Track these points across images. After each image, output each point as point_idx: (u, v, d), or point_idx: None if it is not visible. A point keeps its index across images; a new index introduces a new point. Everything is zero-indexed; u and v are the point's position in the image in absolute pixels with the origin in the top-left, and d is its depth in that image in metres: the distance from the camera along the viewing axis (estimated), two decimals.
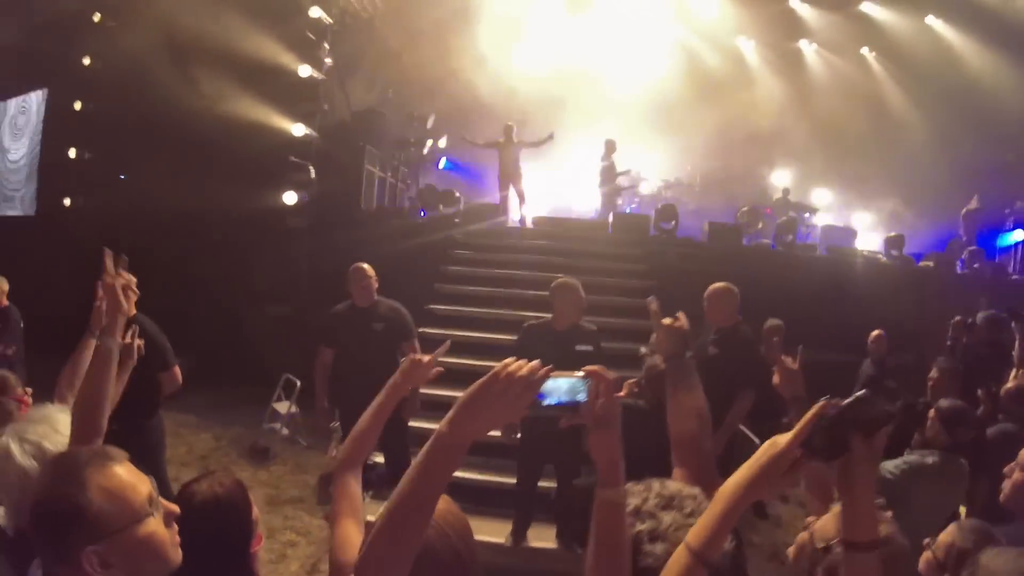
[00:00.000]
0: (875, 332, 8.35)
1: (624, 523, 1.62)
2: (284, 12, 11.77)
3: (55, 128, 13.18)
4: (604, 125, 15.16)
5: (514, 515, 6.17)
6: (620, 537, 1.60)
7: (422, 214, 12.30)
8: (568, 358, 5.40)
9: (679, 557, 1.49)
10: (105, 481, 1.60)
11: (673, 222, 12.32)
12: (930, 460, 4.09)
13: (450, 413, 1.42)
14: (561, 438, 4.73)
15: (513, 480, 6.26)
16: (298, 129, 11.49)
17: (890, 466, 4.20)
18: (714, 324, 5.94)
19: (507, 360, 1.44)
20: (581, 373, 1.52)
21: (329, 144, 11.86)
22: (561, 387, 1.50)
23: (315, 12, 12.06)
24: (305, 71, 11.74)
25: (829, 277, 11.32)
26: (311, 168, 11.28)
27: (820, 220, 16.26)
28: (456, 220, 11.60)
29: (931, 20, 17.13)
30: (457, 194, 12.20)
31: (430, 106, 14.71)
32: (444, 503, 1.75)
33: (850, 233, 15.06)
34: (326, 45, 12.35)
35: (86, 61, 12.81)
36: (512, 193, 13.46)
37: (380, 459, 6.64)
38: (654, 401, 4.54)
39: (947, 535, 2.58)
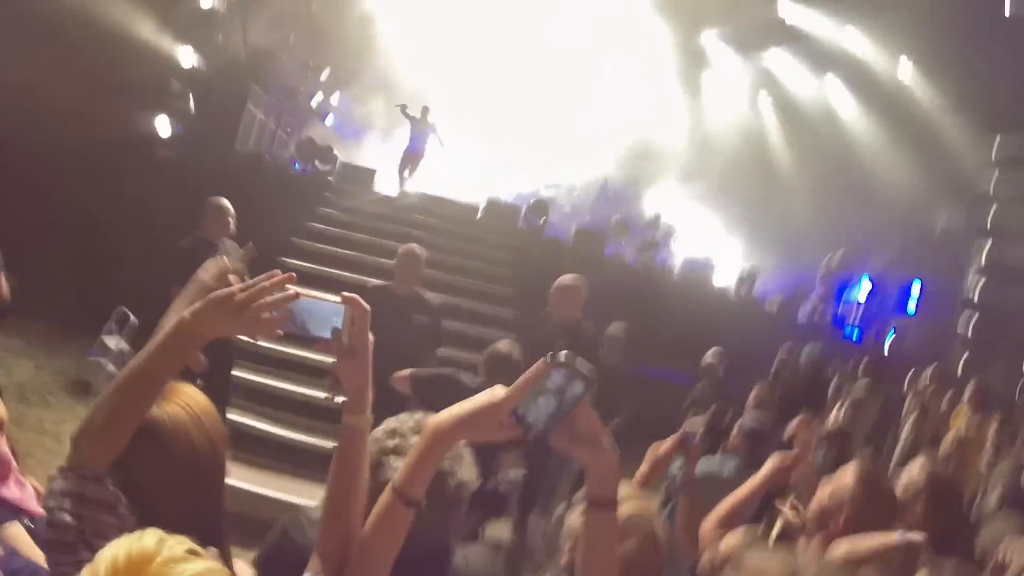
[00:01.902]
0: (714, 348, 8.43)
1: (364, 449, 1.67)
2: None
3: None
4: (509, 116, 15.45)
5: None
6: (360, 460, 1.65)
7: (295, 166, 12.16)
8: (405, 326, 5.52)
9: (383, 495, 1.51)
10: None
11: (543, 219, 12.69)
12: (726, 473, 4.37)
13: (198, 304, 1.48)
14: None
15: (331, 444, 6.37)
16: (186, 55, 11.15)
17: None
18: (559, 317, 6.00)
19: (262, 275, 1.50)
20: (338, 298, 1.57)
21: (215, 78, 11.51)
22: (318, 309, 1.55)
23: None
24: (206, 1, 11.42)
25: (678, 300, 11.95)
26: (191, 99, 10.99)
27: (684, 248, 17.02)
28: (329, 179, 11.56)
29: (829, 78, 18.30)
30: (336, 152, 12.14)
31: (329, 59, 14.51)
32: (205, 400, 1.78)
33: (708, 265, 15.89)
34: None
35: None
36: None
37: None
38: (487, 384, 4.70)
39: (731, 537, 2.71)
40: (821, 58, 17.85)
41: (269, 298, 1.46)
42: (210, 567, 1.01)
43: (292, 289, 1.48)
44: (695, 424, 4.03)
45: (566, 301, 5.97)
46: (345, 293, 1.58)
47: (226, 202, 6.08)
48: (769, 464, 3.07)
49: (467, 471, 2.03)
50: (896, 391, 9.26)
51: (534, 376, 1.37)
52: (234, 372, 6.71)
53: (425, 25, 15.73)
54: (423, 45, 15.49)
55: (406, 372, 4.47)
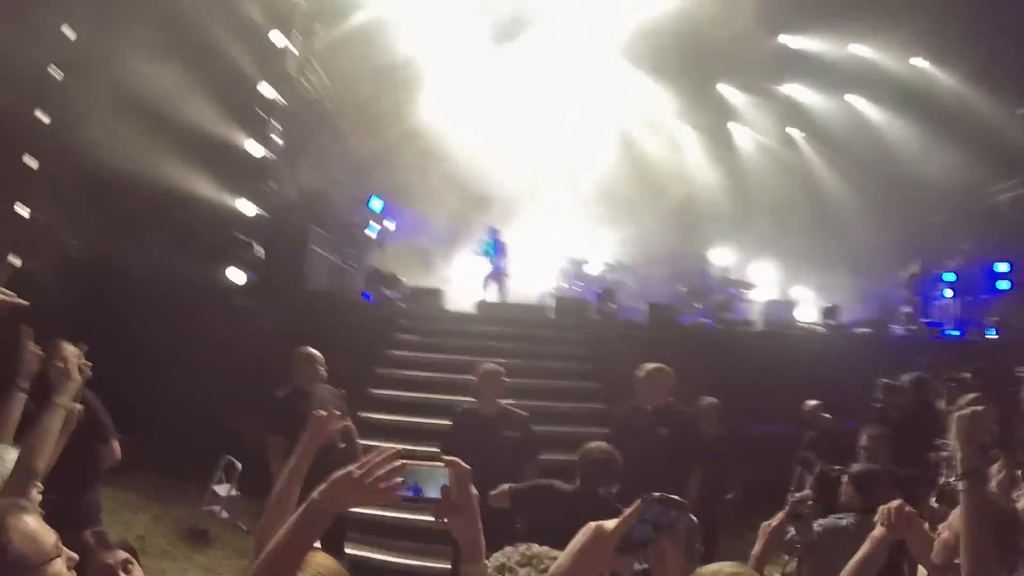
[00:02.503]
0: (809, 403, 8.30)
1: None
2: (237, 88, 11.91)
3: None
4: (548, 210, 15.67)
5: None
6: None
7: (366, 297, 12.38)
8: (497, 444, 5.62)
9: None
10: (21, 526, 1.86)
11: (614, 304, 12.64)
12: (844, 523, 4.24)
13: (324, 484, 1.66)
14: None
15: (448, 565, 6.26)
16: (248, 207, 11.58)
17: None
18: (648, 404, 6.02)
19: (373, 453, 1.67)
20: (441, 463, 1.71)
21: (276, 223, 11.96)
22: (425, 474, 1.69)
23: (266, 90, 12.28)
24: (258, 150, 11.89)
25: (767, 351, 11.65)
26: (258, 247, 11.36)
27: (759, 295, 16.77)
28: (401, 304, 11.71)
29: (850, 98, 18.23)
30: (402, 278, 12.36)
31: (375, 189, 14.95)
32: (325, 559, 2.01)
33: (789, 306, 15.61)
34: (277, 124, 12.57)
35: (39, 115, 12.62)
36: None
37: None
38: (582, 487, 4.64)
39: None
40: (836, 79, 17.81)
41: (381, 471, 1.64)
42: None
43: (400, 461, 1.66)
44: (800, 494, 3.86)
45: (652, 388, 6.02)
46: (446, 456, 1.72)
47: (314, 351, 6.25)
48: (878, 530, 2.91)
49: None
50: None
51: (633, 514, 1.56)
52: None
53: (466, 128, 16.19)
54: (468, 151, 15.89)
55: (504, 488, 4.49)
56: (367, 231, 14.47)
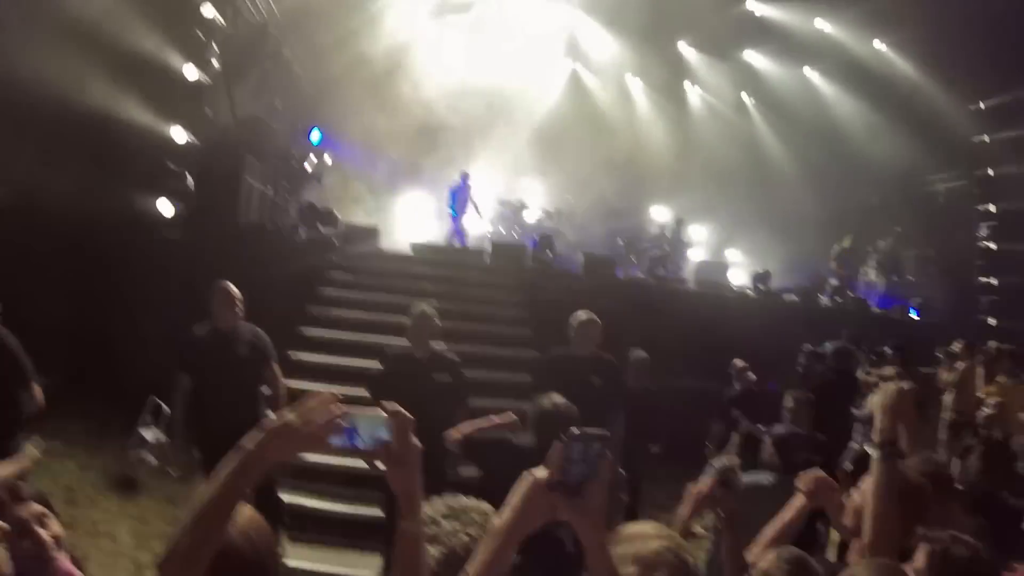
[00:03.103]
0: (738, 362, 8.67)
1: (422, 551, 1.74)
2: (175, 8, 11.29)
3: None
4: (492, 152, 15.54)
5: (383, 549, 6.14)
6: (419, 564, 1.72)
7: (300, 232, 12.12)
8: (428, 387, 5.59)
9: None
10: None
11: (551, 253, 12.68)
12: (765, 482, 4.39)
13: (259, 433, 1.59)
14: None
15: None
16: (179, 134, 11.15)
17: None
18: (579, 352, 6.09)
19: (309, 395, 1.62)
20: (382, 412, 1.66)
21: (209, 152, 11.51)
22: (364, 423, 1.64)
23: (208, 11, 11.73)
24: (192, 73, 11.39)
25: (698, 310, 11.98)
26: (189, 177, 10.99)
27: (695, 255, 17.08)
28: (335, 242, 11.53)
29: (808, 71, 18.39)
30: (337, 213, 12.14)
31: (316, 120, 14.59)
32: (250, 512, 1.90)
33: (722, 267, 15.96)
34: (215, 47, 12.06)
35: None
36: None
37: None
38: (538, 443, 4.60)
39: (764, 562, 2.66)
40: (796, 51, 17.98)
41: (320, 419, 1.58)
42: None
43: (340, 409, 1.60)
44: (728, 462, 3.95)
45: (585, 336, 6.08)
46: (387, 404, 1.67)
47: (231, 287, 5.95)
48: (798, 497, 3.06)
49: None
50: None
51: (559, 456, 1.57)
52: None
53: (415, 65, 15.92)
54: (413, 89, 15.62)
55: (463, 431, 4.44)
56: (305, 164, 14.09)
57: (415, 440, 1.68)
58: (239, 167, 11.72)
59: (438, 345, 6.10)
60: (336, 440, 1.61)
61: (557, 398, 4.36)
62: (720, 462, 3.16)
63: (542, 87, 17.86)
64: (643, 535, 2.13)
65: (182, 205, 10.78)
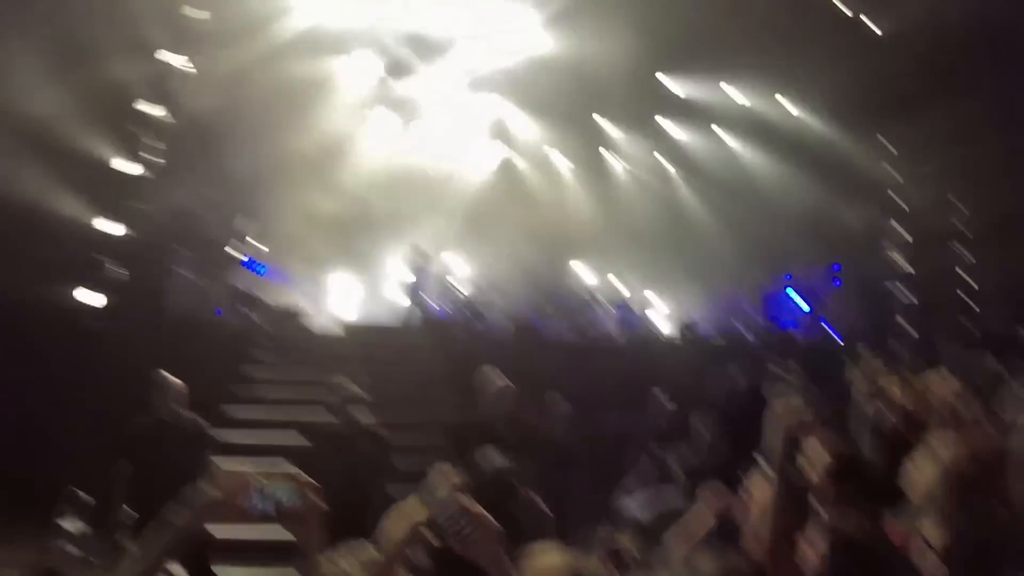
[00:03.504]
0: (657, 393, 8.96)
1: None
2: (112, 103, 11.57)
3: None
4: (417, 232, 15.97)
5: None
6: None
7: (228, 318, 12.31)
8: (353, 460, 5.71)
9: None
10: None
11: (481, 324, 13.02)
12: (671, 504, 4.56)
13: (184, 508, 1.82)
14: None
15: None
16: (109, 227, 11.31)
17: (637, 511, 4.80)
18: (496, 413, 6.32)
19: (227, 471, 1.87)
20: (289, 480, 1.92)
21: (138, 243, 11.71)
22: (274, 492, 1.88)
23: (145, 106, 12.06)
24: (126, 166, 11.61)
25: (626, 362, 12.37)
26: (116, 268, 11.15)
27: (622, 311, 17.58)
28: (262, 325, 11.72)
29: (716, 129, 19.36)
30: (263, 298, 12.33)
31: (243, 207, 14.88)
32: None
33: (649, 321, 16.58)
34: (151, 141, 12.28)
35: None
36: None
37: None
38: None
39: None
40: (704, 114, 18.92)
41: (236, 491, 1.81)
42: None
43: (251, 482, 1.84)
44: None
45: (495, 399, 6.35)
46: (292, 471, 1.98)
47: (173, 379, 6.24)
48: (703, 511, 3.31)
49: None
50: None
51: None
52: None
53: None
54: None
55: None
56: (235, 252, 14.28)
57: (320, 503, 1.95)
58: (169, 257, 11.96)
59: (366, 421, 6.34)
60: (252, 508, 1.85)
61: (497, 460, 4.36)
62: (612, 542, 3.25)
63: (471, 169, 18.54)
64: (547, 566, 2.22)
65: (109, 296, 10.91)
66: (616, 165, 20.00)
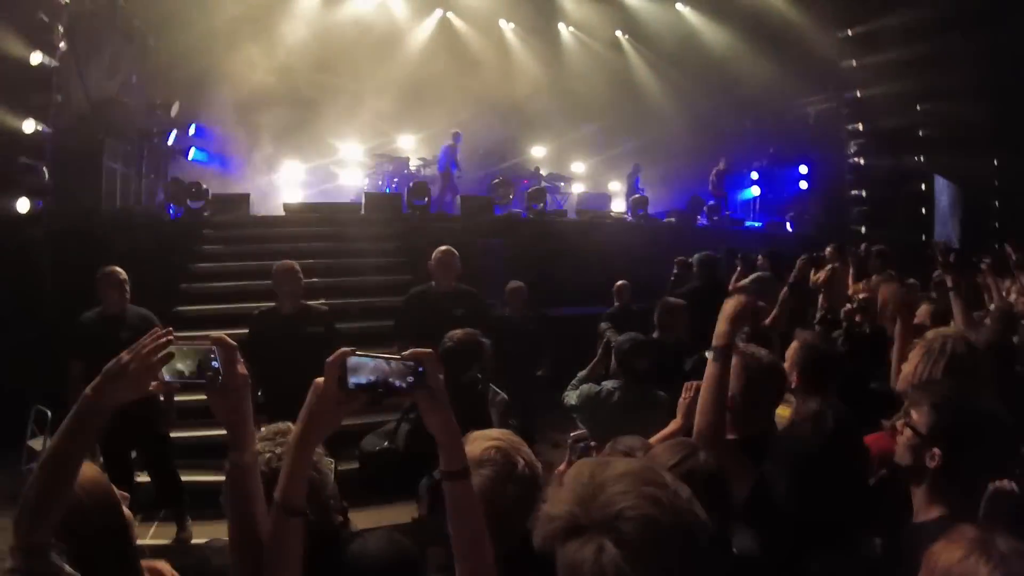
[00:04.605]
0: (619, 282, 8.95)
1: (255, 482, 1.79)
2: None
3: None
4: (366, 106, 15.57)
5: None
6: (251, 494, 1.78)
7: (169, 210, 11.96)
8: (300, 341, 5.61)
9: (271, 513, 1.69)
10: None
11: (426, 199, 12.92)
12: (605, 390, 4.64)
13: (97, 379, 1.63)
14: None
15: None
16: (28, 125, 10.85)
17: (572, 396, 4.87)
18: (440, 286, 6.35)
19: (144, 337, 1.66)
20: (208, 341, 1.71)
21: (65, 139, 11.19)
22: (194, 355, 1.69)
23: None
24: (36, 58, 11.00)
25: (577, 239, 12.36)
26: (45, 169, 10.72)
27: (575, 188, 17.62)
28: (204, 214, 11.49)
29: (680, 6, 18.99)
30: (205, 186, 12.01)
31: (175, 93, 14.26)
32: (91, 472, 1.93)
33: (604, 198, 16.60)
34: (61, 28, 11.59)
35: None
36: None
37: (145, 478, 6.39)
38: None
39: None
40: None
41: (149, 350, 1.64)
42: None
43: (166, 339, 1.66)
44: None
45: (443, 270, 6.33)
46: (211, 333, 1.74)
47: (117, 269, 6.01)
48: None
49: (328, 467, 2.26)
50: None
51: (331, 366, 1.62)
52: None
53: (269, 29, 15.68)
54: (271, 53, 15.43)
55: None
56: (167, 139, 13.83)
57: (241, 369, 1.74)
58: (98, 151, 11.45)
59: (308, 300, 6.15)
60: (167, 376, 1.66)
61: (458, 333, 4.40)
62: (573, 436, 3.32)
63: (413, 37, 17.87)
64: (478, 437, 2.27)
65: (40, 199, 10.54)
66: (573, 39, 19.52)
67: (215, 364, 1.70)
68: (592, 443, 2.90)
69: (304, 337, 5.74)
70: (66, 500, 1.68)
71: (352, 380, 1.60)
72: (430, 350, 1.67)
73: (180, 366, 1.68)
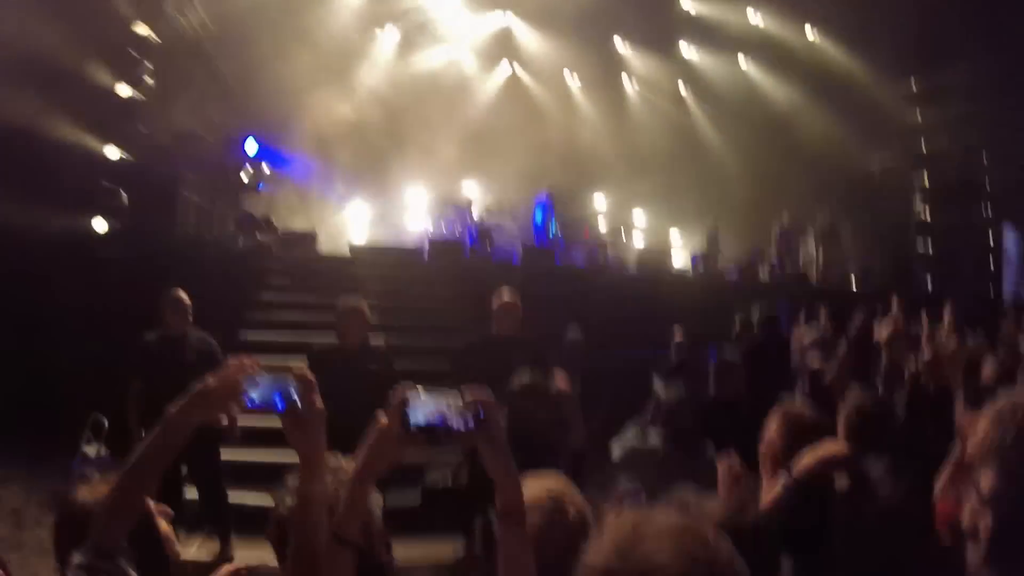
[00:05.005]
0: (676, 337, 8.84)
1: (319, 514, 1.81)
2: (107, 27, 11.28)
3: None
4: (434, 154, 15.80)
5: None
6: (316, 526, 1.79)
7: (238, 242, 12.22)
8: (359, 378, 5.55)
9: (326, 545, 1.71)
10: None
11: (488, 246, 12.94)
12: (650, 445, 4.57)
13: (182, 399, 1.76)
14: None
15: None
16: (112, 152, 11.24)
17: (616, 450, 4.73)
18: (499, 332, 6.20)
19: (228, 364, 1.76)
20: (288, 375, 1.77)
21: (144, 168, 11.57)
22: (275, 384, 1.78)
23: (141, 29, 11.81)
24: (125, 91, 11.48)
25: (637, 293, 12.28)
26: (123, 194, 11.07)
27: (637, 242, 17.54)
28: (272, 248, 11.69)
29: (742, 60, 19.02)
30: (274, 221, 12.28)
31: (253, 130, 14.67)
32: None
33: (665, 253, 16.46)
34: (148, 64, 12.12)
35: None
36: None
37: (193, 495, 6.45)
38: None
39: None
40: (730, 42, 18.55)
41: (235, 380, 1.74)
42: None
43: (253, 365, 1.76)
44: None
45: (504, 317, 6.18)
46: (292, 366, 1.81)
47: (182, 293, 6.20)
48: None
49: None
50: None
51: (397, 402, 1.64)
52: None
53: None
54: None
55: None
56: (241, 174, 14.18)
57: (319, 402, 1.81)
58: (175, 181, 11.85)
59: (369, 338, 6.17)
60: (250, 401, 1.75)
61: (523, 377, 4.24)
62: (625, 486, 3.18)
63: (480, 88, 18.21)
64: (533, 482, 2.21)
65: (117, 222, 10.85)
66: (636, 93, 19.69)
67: (294, 396, 1.77)
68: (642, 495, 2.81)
69: (363, 374, 5.73)
70: (140, 508, 1.81)
71: (413, 420, 1.63)
72: (491, 396, 1.68)
73: (261, 394, 1.77)
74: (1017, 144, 15.03)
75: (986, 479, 2.14)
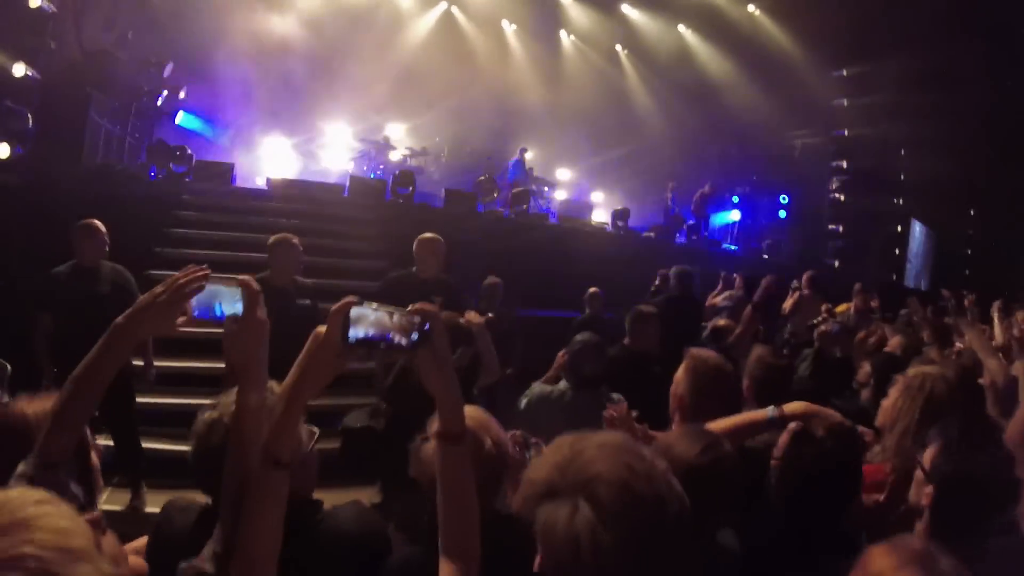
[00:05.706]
0: (591, 289, 9.05)
1: (259, 426, 1.73)
2: None
3: None
4: (359, 90, 15.50)
5: None
6: (254, 437, 1.72)
7: (151, 172, 11.78)
8: (290, 313, 5.61)
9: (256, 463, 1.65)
10: None
11: (410, 188, 12.87)
12: (556, 391, 4.63)
13: (130, 309, 1.71)
14: None
15: None
16: (18, 68, 10.67)
17: (523, 400, 4.82)
18: (421, 273, 6.23)
19: (178, 273, 1.72)
20: (234, 283, 1.75)
21: (53, 87, 10.97)
22: (223, 294, 1.74)
23: None
24: (35, 1, 10.85)
25: (556, 244, 12.49)
26: (29, 115, 10.55)
27: (559, 195, 17.69)
28: (186, 179, 11.35)
29: (682, 28, 19.11)
30: (189, 151, 11.87)
31: (171, 53, 14.06)
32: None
33: (585, 207, 16.64)
34: None
35: None
36: None
37: (109, 441, 6.18)
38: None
39: None
40: (672, 9, 18.62)
41: (184, 290, 1.71)
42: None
43: (203, 273, 1.73)
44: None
45: (426, 256, 6.19)
46: (238, 276, 1.77)
47: (97, 223, 5.93)
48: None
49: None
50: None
51: (335, 315, 1.58)
52: None
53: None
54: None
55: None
56: (157, 99, 13.62)
57: (263, 313, 1.78)
58: (85, 103, 11.25)
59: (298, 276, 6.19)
60: (197, 311, 1.73)
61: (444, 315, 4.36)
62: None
63: (412, 24, 17.84)
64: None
65: (21, 146, 10.35)
66: (573, 48, 19.60)
67: (238, 306, 1.75)
68: (534, 441, 2.83)
69: (294, 310, 5.76)
70: (85, 421, 1.78)
71: (353, 333, 1.56)
72: (437, 308, 1.64)
73: (207, 302, 1.74)
74: (933, 143, 15.70)
75: (930, 453, 2.35)
